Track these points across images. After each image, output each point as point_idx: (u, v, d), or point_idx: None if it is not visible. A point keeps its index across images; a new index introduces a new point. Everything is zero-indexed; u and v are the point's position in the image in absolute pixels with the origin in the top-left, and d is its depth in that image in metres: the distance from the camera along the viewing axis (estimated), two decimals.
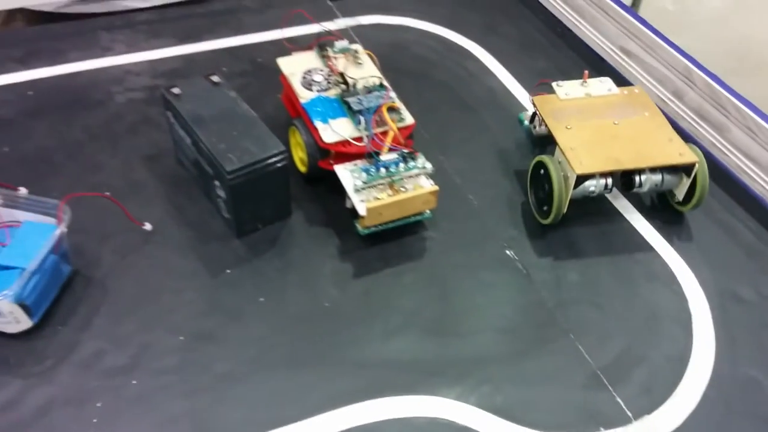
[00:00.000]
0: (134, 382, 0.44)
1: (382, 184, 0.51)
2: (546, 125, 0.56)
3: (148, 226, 0.53)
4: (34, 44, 0.69)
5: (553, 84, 0.59)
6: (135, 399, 0.43)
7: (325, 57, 0.58)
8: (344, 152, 0.53)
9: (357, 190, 0.51)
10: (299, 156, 0.57)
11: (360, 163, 0.53)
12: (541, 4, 0.80)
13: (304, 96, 0.55)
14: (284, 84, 0.58)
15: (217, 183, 0.51)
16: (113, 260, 0.51)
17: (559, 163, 0.53)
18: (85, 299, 0.48)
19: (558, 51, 0.75)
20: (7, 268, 0.45)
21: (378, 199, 0.50)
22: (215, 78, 0.55)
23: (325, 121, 0.53)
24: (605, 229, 0.56)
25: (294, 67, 0.58)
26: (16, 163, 0.57)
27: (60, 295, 0.48)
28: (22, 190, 0.50)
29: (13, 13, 0.81)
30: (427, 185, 0.51)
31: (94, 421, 0.42)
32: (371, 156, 0.52)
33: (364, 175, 0.51)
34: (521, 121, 0.64)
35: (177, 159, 0.58)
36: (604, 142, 0.54)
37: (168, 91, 0.54)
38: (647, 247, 0.55)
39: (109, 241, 0.52)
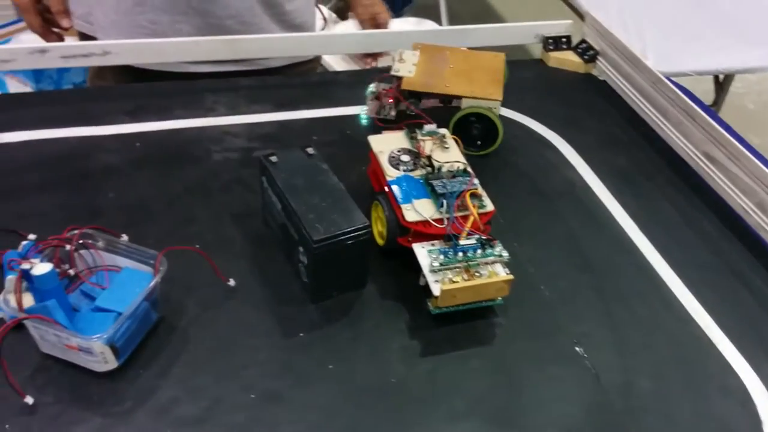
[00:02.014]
0: None
1: (458, 267, 0.52)
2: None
3: (232, 282, 0.56)
4: (143, 99, 0.76)
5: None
6: None
7: (413, 138, 0.61)
8: (424, 232, 0.55)
9: (433, 271, 0.52)
10: (378, 230, 0.59)
11: (438, 244, 0.54)
12: (625, 102, 0.82)
13: (391, 174, 0.58)
14: (372, 159, 0.62)
15: (301, 249, 0.54)
16: (196, 312, 0.54)
17: None
18: (167, 346, 0.51)
19: (640, 150, 0.76)
20: (104, 310, 0.49)
21: (453, 281, 0.51)
22: (310, 150, 0.59)
23: (408, 200, 0.56)
24: (681, 339, 0.56)
25: (383, 145, 0.61)
26: (119, 208, 0.62)
27: (145, 340, 0.51)
28: (124, 237, 0.54)
29: (105, 69, 0.87)
30: (502, 273, 0.53)
31: None
32: (450, 239, 0.54)
33: (441, 257, 0.53)
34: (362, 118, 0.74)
35: (264, 220, 0.62)
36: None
37: (266, 158, 0.57)
38: (723, 362, 0.54)
39: (194, 292, 0.55)
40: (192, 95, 0.77)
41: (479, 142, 0.71)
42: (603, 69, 0.87)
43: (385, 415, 0.48)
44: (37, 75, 1.30)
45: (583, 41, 0.90)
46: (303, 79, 0.83)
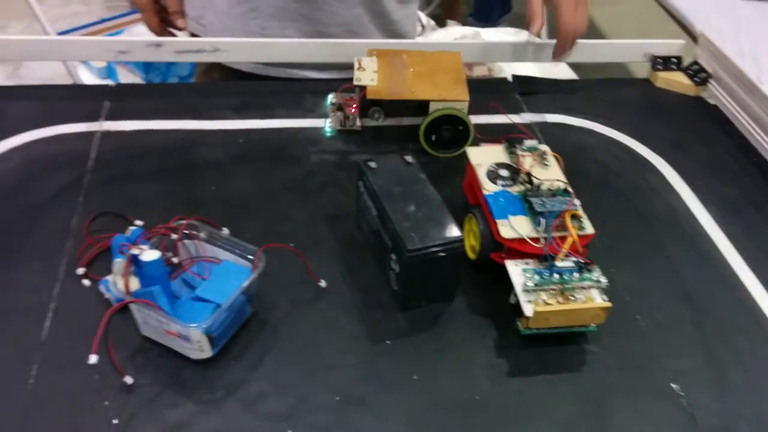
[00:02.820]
0: (289, 431, 0.47)
1: (553, 289, 0.51)
2: None
3: (323, 283, 0.57)
4: (248, 97, 0.78)
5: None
6: None
7: (513, 153, 0.60)
8: (518, 250, 0.54)
9: (526, 290, 0.51)
10: (471, 243, 0.58)
11: (532, 263, 0.53)
12: (736, 128, 0.78)
13: (488, 188, 0.57)
14: (469, 172, 0.61)
15: (393, 256, 0.54)
16: (288, 309, 0.55)
17: None
18: (258, 341, 0.52)
19: (751, 180, 0.72)
20: (203, 300, 0.51)
21: (547, 303, 0.50)
22: (409, 158, 0.59)
23: (504, 216, 0.55)
24: None
25: (482, 158, 0.60)
26: (219, 201, 0.64)
27: (238, 332, 0.53)
28: (225, 231, 0.56)
29: (212, 66, 0.90)
30: (599, 300, 0.51)
31: None
32: (546, 259, 0.53)
33: (536, 277, 0.51)
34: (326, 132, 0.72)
35: (357, 224, 0.62)
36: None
37: (365, 163, 0.58)
38: None
39: (287, 290, 0.56)
40: (294, 96, 0.78)
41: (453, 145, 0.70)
42: (714, 93, 0.83)
43: (468, 431, 0.48)
44: (146, 66, 1.37)
45: (695, 63, 0.86)
46: None
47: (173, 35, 0.81)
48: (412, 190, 0.56)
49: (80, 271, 0.56)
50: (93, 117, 0.72)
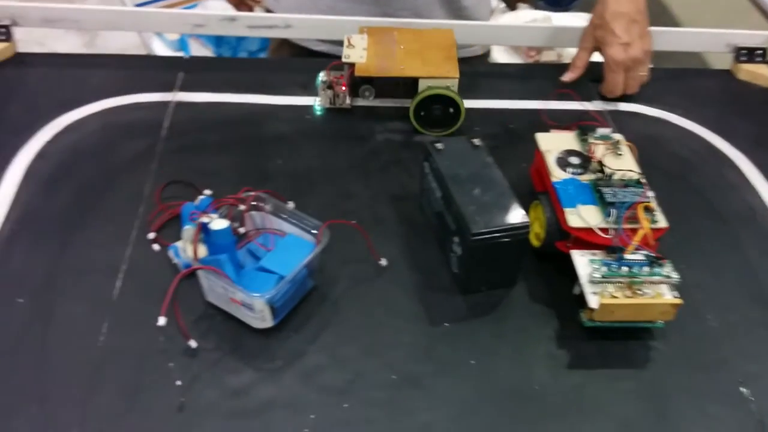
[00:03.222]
0: (345, 405, 0.47)
1: (620, 282, 0.50)
2: None
3: (383, 262, 0.57)
4: (315, 74, 0.78)
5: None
6: (343, 422, 0.46)
7: (584, 141, 0.59)
8: (585, 240, 0.52)
9: (592, 282, 0.50)
10: (536, 231, 0.57)
11: (599, 254, 0.52)
12: None
13: (557, 175, 0.56)
14: (537, 158, 0.60)
15: (456, 239, 0.54)
16: (348, 285, 0.55)
17: None
18: (317, 314, 0.53)
19: None
20: (267, 271, 0.52)
21: (614, 296, 0.49)
22: (476, 141, 0.58)
23: (573, 204, 0.53)
24: None
25: (551, 144, 0.59)
26: (285, 175, 0.65)
27: (298, 305, 0.53)
28: (290, 204, 0.57)
29: (283, 43, 0.91)
30: (669, 296, 0.49)
31: (305, 430, 0.46)
32: (614, 251, 0.51)
33: (604, 268, 0.50)
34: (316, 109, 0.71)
35: (419, 205, 0.62)
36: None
37: (432, 144, 0.58)
38: None
39: (348, 266, 0.57)
40: None
41: (447, 121, 0.70)
42: None
43: (525, 421, 0.47)
44: (218, 40, 1.40)
45: None
46: (471, 68, 0.81)
47: (250, 11, 0.82)
48: (479, 174, 0.55)
49: (151, 235, 0.58)
50: (167, 87, 0.73)
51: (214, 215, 0.52)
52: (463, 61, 0.85)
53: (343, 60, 0.69)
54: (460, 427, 0.46)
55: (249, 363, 0.50)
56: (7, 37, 0.77)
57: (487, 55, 0.92)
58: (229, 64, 0.80)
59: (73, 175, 0.63)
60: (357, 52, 0.70)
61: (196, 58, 0.82)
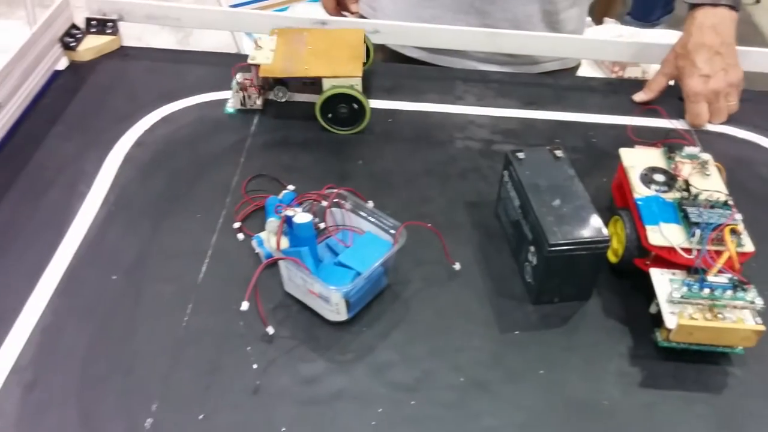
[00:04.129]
0: (413, 402, 0.48)
1: (701, 304, 0.49)
2: None
3: (457, 266, 0.57)
4: (400, 80, 0.80)
5: None
6: (410, 418, 0.47)
7: (670, 159, 0.58)
8: (666, 258, 0.51)
9: (671, 301, 0.49)
10: (614, 246, 0.57)
11: (680, 274, 0.51)
12: None
13: (640, 192, 0.55)
14: (620, 173, 0.59)
15: (532, 249, 0.54)
16: (420, 286, 0.56)
17: None
18: (389, 312, 0.54)
19: None
20: (344, 266, 0.53)
21: (693, 318, 0.48)
22: (559, 152, 0.58)
23: (655, 222, 0.53)
24: None
25: (636, 160, 0.58)
26: (364, 175, 0.67)
27: (372, 302, 0.55)
28: (370, 204, 0.59)
29: (376, 48, 0.93)
30: (752, 322, 0.48)
31: (373, 423, 0.47)
32: (697, 272, 0.50)
33: (684, 288, 0.49)
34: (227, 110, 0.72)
35: (495, 213, 0.63)
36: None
37: (513, 153, 0.58)
38: None
39: (421, 268, 0.58)
40: (444, 82, 0.79)
41: (355, 121, 0.71)
42: None
43: None
44: None
45: None
46: (554, 80, 0.82)
47: (344, 17, 0.85)
48: (560, 185, 0.55)
49: (236, 225, 0.61)
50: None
51: (298, 209, 0.54)
52: (553, 74, 0.85)
53: (249, 61, 0.70)
54: None
55: (322, 353, 0.51)
56: (114, 31, 0.83)
57: (576, 68, 0.91)
58: None
59: (167, 164, 0.67)
60: (264, 54, 0.71)
61: None
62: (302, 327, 0.53)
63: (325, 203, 0.56)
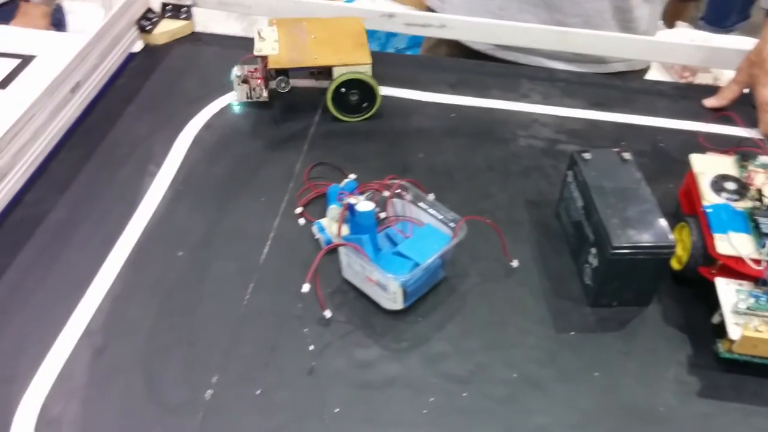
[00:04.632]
0: (465, 394, 0.49)
1: (767, 316, 0.47)
2: None
3: (515, 263, 0.57)
4: (465, 74, 0.80)
5: None
6: (461, 410, 0.48)
7: (743, 167, 0.56)
8: (733, 269, 0.50)
9: (736, 312, 0.48)
10: (678, 253, 0.56)
11: (747, 285, 0.50)
12: None
13: (709, 199, 0.54)
14: (689, 179, 0.58)
15: (593, 250, 0.53)
16: (477, 281, 0.57)
17: None
18: (445, 304, 0.55)
19: None
20: (403, 256, 0.54)
21: (758, 330, 0.47)
22: (626, 155, 0.57)
23: (724, 231, 0.51)
24: None
25: (706, 167, 0.57)
26: (425, 169, 0.67)
27: (428, 293, 0.55)
28: (431, 196, 0.59)
29: (440, 42, 0.93)
30: None
31: (424, 412, 0.48)
32: (765, 284, 0.49)
33: (751, 300, 0.48)
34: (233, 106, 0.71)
35: (556, 212, 0.62)
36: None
37: (579, 154, 0.57)
38: None
39: (479, 263, 0.58)
40: (510, 79, 0.79)
41: (365, 104, 0.71)
42: None
43: None
44: (370, 35, 1.45)
45: None
46: (622, 82, 0.80)
47: None
48: (626, 188, 0.54)
49: (298, 210, 0.62)
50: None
51: (361, 197, 0.55)
52: (621, 76, 0.83)
53: (255, 53, 0.69)
54: None
55: (376, 340, 0.52)
56: (188, 16, 0.86)
57: (645, 71, 0.89)
58: (383, 58, 0.83)
59: (234, 147, 0.69)
60: (269, 45, 0.70)
61: None
62: (358, 313, 0.54)
63: (386, 193, 0.57)
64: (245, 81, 0.73)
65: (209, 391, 0.48)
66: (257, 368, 0.50)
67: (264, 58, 0.70)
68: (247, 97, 0.74)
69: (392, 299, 0.53)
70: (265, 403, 0.48)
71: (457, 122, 0.73)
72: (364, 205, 0.53)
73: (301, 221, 0.61)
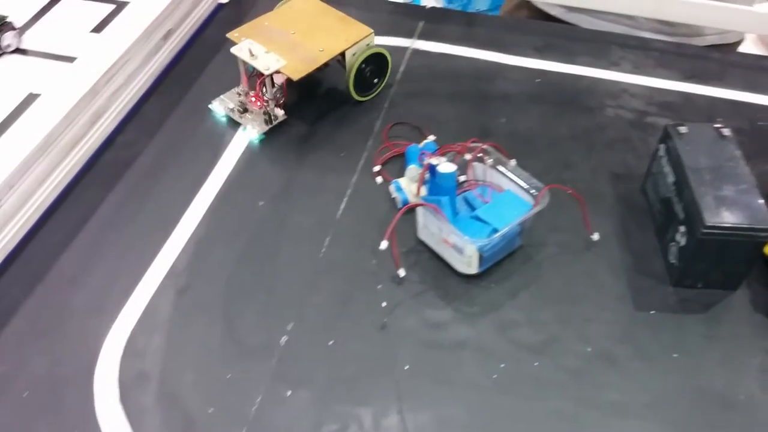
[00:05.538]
0: (536, 363, 0.48)
1: None
2: None
3: (595, 236, 0.56)
4: (552, 39, 0.77)
5: None
6: (531, 378, 0.47)
7: None
8: None
9: None
10: None
11: None
12: None
13: None
14: None
15: (682, 228, 0.51)
16: (554, 251, 0.55)
17: None
18: (520, 273, 0.54)
19: None
20: (481, 221, 0.53)
21: None
22: (725, 131, 0.54)
23: None
24: None
25: None
26: (506, 134, 0.66)
27: (503, 260, 0.55)
28: (513, 162, 0.58)
29: (521, 4, 0.89)
30: None
31: (494, 377, 0.48)
32: None
33: None
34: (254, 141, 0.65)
35: (642, 187, 0.60)
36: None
37: (674, 127, 0.55)
38: None
39: (557, 233, 0.57)
40: (600, 45, 0.76)
41: (376, 80, 0.68)
42: None
43: (723, 428, 0.45)
44: None
45: None
46: (721, 55, 0.76)
47: None
48: (723, 165, 0.52)
49: (376, 168, 0.62)
50: (408, 34, 0.77)
51: (443, 159, 0.54)
52: (718, 48, 0.79)
53: (266, 72, 0.61)
54: (653, 415, 0.45)
55: (449, 302, 0.52)
56: None
57: (738, 44, 0.84)
58: (467, 18, 0.81)
59: (315, 102, 0.69)
60: (268, 58, 0.62)
61: (436, 9, 0.84)
62: (432, 274, 0.54)
63: (468, 156, 0.56)
64: (245, 111, 0.65)
65: (284, 338, 0.49)
66: (331, 319, 0.51)
67: (260, 76, 0.63)
68: (267, 124, 0.65)
69: (467, 263, 0.52)
70: (337, 354, 0.49)
71: (541, 88, 0.71)
72: (445, 166, 0.53)
73: (379, 179, 0.61)
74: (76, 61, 0.65)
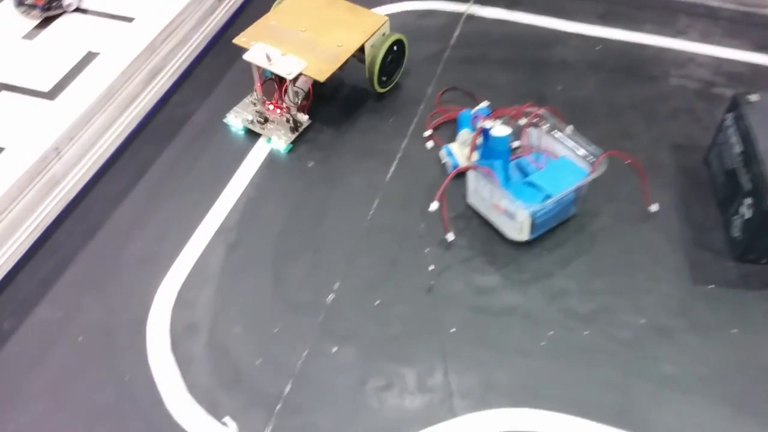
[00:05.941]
0: (586, 333, 0.47)
1: None
2: None
3: (654, 207, 0.54)
4: (615, 6, 0.74)
5: None
6: (581, 347, 0.46)
7: None
8: None
9: None
10: None
11: None
12: None
13: None
14: None
15: (748, 201, 0.49)
16: (609, 221, 0.54)
17: None
18: (572, 241, 0.53)
19: None
20: (534, 187, 0.52)
21: None
22: None
23: None
24: None
25: None
26: (563, 102, 0.63)
27: (555, 228, 0.53)
28: (569, 128, 0.56)
29: None
30: None
31: (542, 344, 0.47)
32: None
33: None
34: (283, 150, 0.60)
35: (705, 159, 0.57)
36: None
37: (743, 95, 0.52)
38: None
39: (613, 203, 0.55)
40: (666, 13, 0.73)
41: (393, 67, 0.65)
42: None
43: None
44: None
45: None
46: None
47: None
48: None
49: (426, 133, 0.61)
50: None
51: (497, 122, 0.53)
52: None
53: (289, 77, 0.58)
54: (706, 389, 0.44)
55: (498, 268, 0.51)
56: None
57: None
58: None
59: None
60: (288, 62, 0.58)
61: None
62: (481, 240, 0.53)
63: (522, 122, 0.55)
64: (266, 121, 0.62)
65: (331, 296, 0.49)
66: (377, 280, 0.51)
67: (282, 81, 0.60)
68: (293, 132, 0.61)
69: (518, 229, 0.51)
70: (383, 314, 0.49)
71: (602, 56, 0.68)
72: (499, 129, 0.52)
73: (429, 144, 0.60)
74: (134, 21, 0.66)
